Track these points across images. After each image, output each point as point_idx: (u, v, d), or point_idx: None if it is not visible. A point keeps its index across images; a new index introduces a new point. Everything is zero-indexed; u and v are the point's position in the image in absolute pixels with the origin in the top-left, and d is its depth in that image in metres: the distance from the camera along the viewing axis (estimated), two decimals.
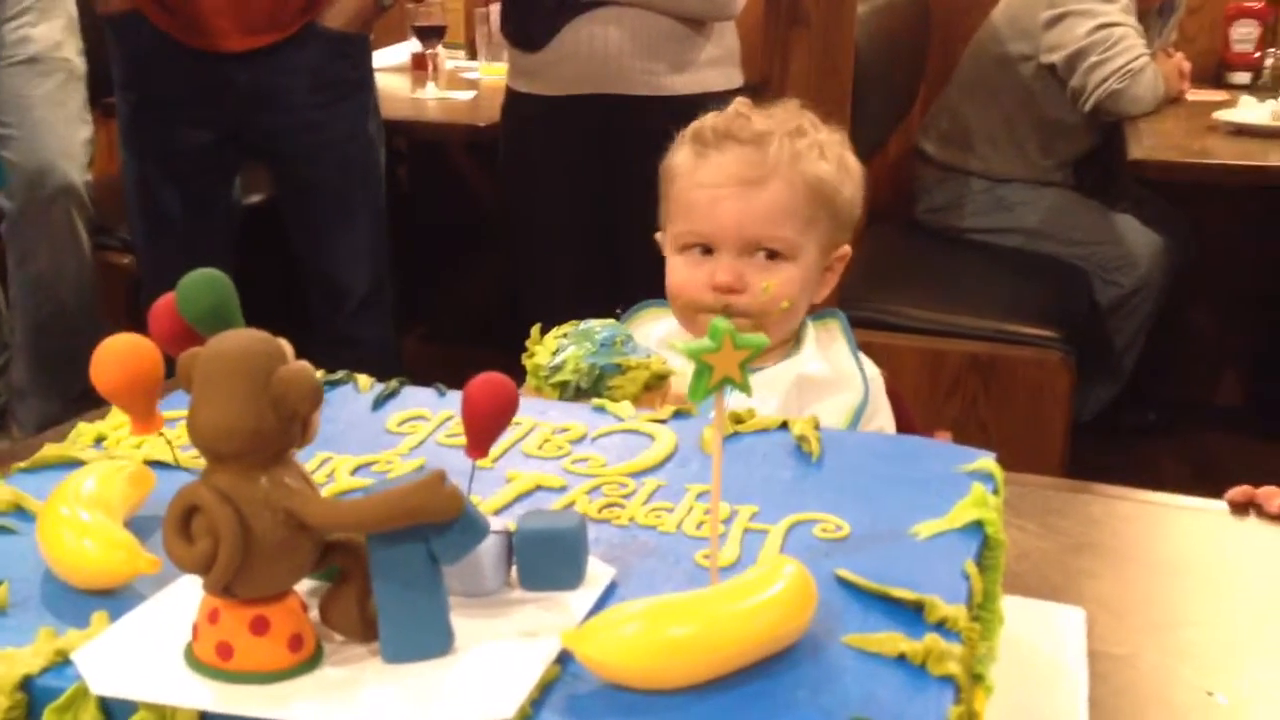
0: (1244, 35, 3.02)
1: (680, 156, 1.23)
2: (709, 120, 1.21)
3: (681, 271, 1.21)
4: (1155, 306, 2.84)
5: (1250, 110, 2.58)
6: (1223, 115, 2.57)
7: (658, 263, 1.26)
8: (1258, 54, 3.02)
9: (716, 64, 2.21)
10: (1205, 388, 3.26)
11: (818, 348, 1.23)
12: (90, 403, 0.86)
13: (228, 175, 2.40)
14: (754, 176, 1.17)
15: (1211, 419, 3.16)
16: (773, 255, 1.18)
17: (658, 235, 1.28)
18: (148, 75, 2.28)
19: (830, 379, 1.20)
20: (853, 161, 1.24)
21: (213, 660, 0.59)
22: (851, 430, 1.12)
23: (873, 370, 1.25)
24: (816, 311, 1.27)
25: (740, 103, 1.23)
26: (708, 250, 1.19)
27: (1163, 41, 2.92)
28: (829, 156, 1.21)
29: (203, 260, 2.48)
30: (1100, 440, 2.80)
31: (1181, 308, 3.03)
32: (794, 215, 1.18)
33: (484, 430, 0.63)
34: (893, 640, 0.61)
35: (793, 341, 1.24)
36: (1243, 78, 3.02)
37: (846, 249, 1.25)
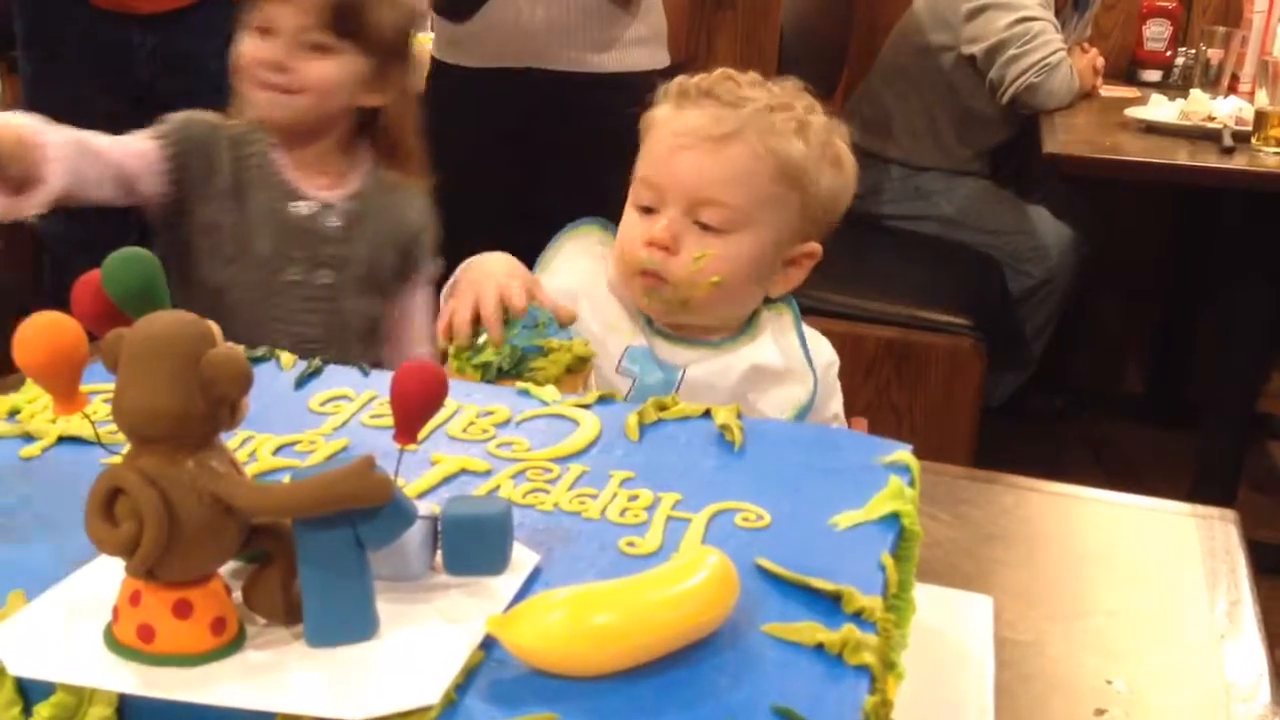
0: (1156, 34, 3.09)
1: (660, 109, 1.19)
2: (696, 77, 1.17)
3: (626, 228, 1.17)
4: (1064, 297, 2.91)
5: (1160, 108, 2.64)
6: (1134, 112, 2.63)
7: None
8: (1169, 53, 3.10)
9: (643, 43, 2.21)
10: (1109, 376, 3.35)
11: (773, 336, 1.20)
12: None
13: None
14: (718, 134, 1.12)
15: (1114, 406, 3.26)
16: (709, 228, 1.13)
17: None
18: (52, 35, 2.20)
19: (783, 370, 1.18)
20: (846, 156, 1.19)
21: (134, 642, 0.58)
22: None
23: (826, 358, 1.23)
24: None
25: (729, 71, 1.18)
26: (650, 210, 1.15)
27: (1078, 37, 2.98)
28: (811, 140, 1.15)
29: (106, 224, 2.37)
30: (1008, 425, 2.87)
31: (1089, 298, 3.10)
32: (750, 186, 1.12)
33: (413, 417, 0.63)
34: (811, 630, 0.63)
35: (746, 327, 1.20)
36: (1154, 75, 3.10)
37: (815, 246, 1.19)
